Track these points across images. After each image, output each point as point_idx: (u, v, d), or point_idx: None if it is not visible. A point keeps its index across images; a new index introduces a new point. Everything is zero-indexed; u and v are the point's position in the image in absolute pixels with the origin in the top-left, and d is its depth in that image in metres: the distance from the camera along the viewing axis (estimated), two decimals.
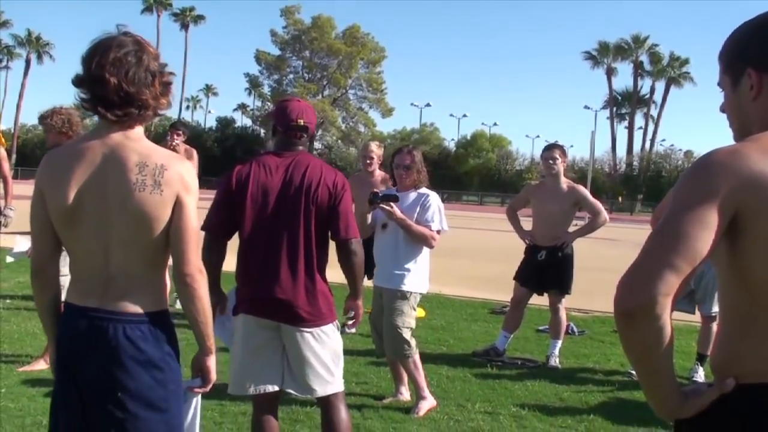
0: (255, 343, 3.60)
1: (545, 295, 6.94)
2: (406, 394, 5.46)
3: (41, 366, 5.77)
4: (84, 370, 2.38)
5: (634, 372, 6.41)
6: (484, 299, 10.20)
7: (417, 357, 5.29)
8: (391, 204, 5.00)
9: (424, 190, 5.29)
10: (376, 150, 7.59)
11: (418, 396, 5.27)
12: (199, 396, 2.65)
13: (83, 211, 2.36)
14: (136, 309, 2.39)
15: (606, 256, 17.42)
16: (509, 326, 6.92)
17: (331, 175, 3.64)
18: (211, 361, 2.57)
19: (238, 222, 3.58)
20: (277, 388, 3.66)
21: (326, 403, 3.73)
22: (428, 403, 5.23)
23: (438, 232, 5.20)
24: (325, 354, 3.61)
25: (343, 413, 3.72)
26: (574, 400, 5.67)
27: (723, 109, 1.82)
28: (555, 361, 6.75)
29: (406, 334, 5.17)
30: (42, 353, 5.88)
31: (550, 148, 6.93)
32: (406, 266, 5.15)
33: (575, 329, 8.26)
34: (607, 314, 9.54)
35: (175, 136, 8.25)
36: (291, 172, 3.58)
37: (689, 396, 1.68)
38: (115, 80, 2.29)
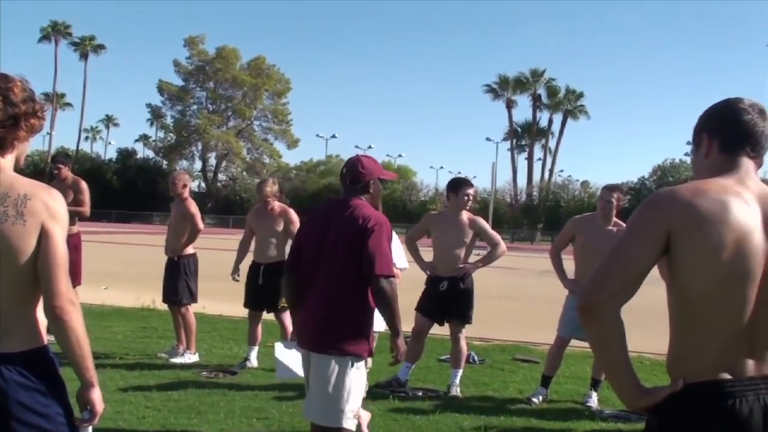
0: (304, 371, 4.06)
1: (446, 324, 7.03)
2: None
3: None
4: None
5: (534, 399, 6.59)
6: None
7: None
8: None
9: None
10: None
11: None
12: (90, 429, 2.57)
13: None
14: (12, 349, 2.31)
15: (507, 284, 17.81)
16: (411, 357, 6.97)
17: (363, 214, 3.90)
18: (95, 394, 2.46)
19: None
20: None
21: None
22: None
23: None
24: (334, 384, 3.79)
25: None
26: (473, 429, 5.75)
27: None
28: (456, 391, 6.84)
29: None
30: None
31: (470, 185, 7.00)
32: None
33: (476, 358, 8.39)
34: (506, 342, 9.76)
35: (55, 171, 8.25)
36: (335, 215, 3.97)
37: (647, 391, 2.08)
38: None
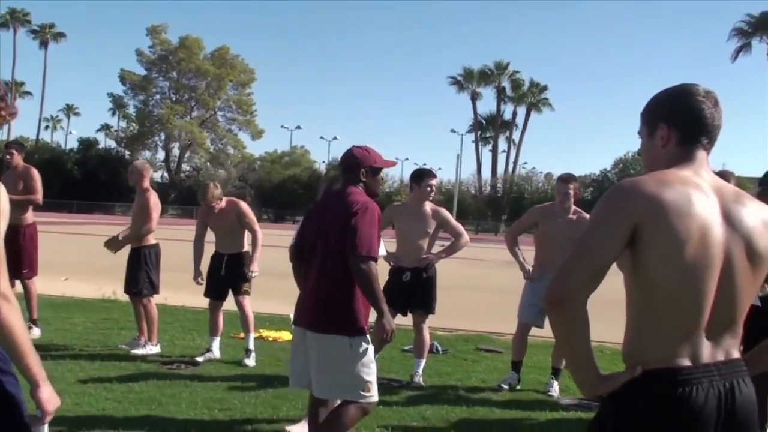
0: (295, 348, 4.32)
1: (409, 315, 7.05)
2: None
3: None
4: None
5: (503, 385, 6.67)
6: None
7: None
8: None
9: None
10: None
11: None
12: (45, 428, 2.44)
13: None
14: None
15: (470, 275, 17.90)
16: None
17: (352, 200, 4.12)
18: (42, 393, 2.30)
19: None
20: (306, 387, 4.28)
21: (317, 402, 4.26)
22: None
23: None
24: (331, 362, 4.06)
25: (323, 415, 4.19)
26: (436, 418, 5.78)
27: (640, 153, 2.38)
28: (419, 380, 6.87)
29: None
30: None
31: (433, 175, 7.01)
32: None
33: (439, 348, 8.43)
34: (470, 333, 9.82)
35: (7, 156, 8.10)
36: (330, 203, 4.28)
37: (606, 379, 2.12)
38: None
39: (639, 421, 2.05)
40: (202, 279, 7.61)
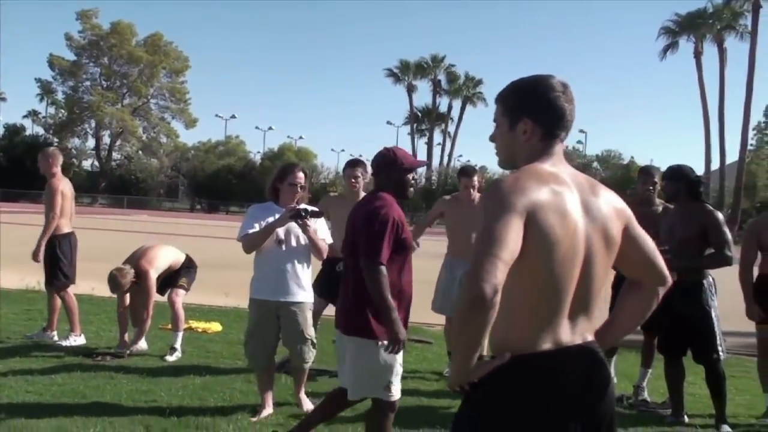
0: (337, 348, 4.49)
1: None
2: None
3: None
4: None
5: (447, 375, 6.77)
6: None
7: None
8: (314, 220, 5.48)
9: (303, 206, 5.61)
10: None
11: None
12: None
13: None
14: None
15: None
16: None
17: (368, 204, 4.21)
18: None
19: None
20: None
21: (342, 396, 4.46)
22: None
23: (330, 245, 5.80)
24: (356, 363, 4.19)
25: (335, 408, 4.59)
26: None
27: (492, 140, 2.42)
28: None
29: (314, 341, 5.74)
30: None
31: (354, 165, 7.00)
32: (306, 280, 5.68)
33: None
34: None
35: None
36: (358, 209, 4.30)
37: (476, 366, 2.15)
38: None
39: (506, 405, 2.15)
40: (130, 351, 7.27)
